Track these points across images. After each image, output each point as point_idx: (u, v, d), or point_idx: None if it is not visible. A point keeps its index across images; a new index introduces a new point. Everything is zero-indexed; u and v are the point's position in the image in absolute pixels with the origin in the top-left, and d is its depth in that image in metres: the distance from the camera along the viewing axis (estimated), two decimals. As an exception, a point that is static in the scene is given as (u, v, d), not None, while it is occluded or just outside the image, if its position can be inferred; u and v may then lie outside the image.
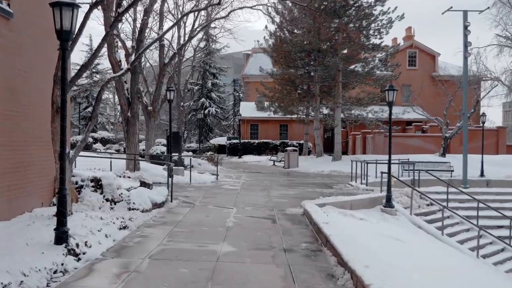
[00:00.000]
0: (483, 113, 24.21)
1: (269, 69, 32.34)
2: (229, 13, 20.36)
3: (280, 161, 28.32)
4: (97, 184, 9.93)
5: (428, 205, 14.82)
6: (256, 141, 37.92)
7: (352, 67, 28.69)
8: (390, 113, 12.71)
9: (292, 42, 28.27)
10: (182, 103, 33.39)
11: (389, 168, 12.96)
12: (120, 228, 8.09)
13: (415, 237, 10.34)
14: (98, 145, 29.97)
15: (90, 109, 42.56)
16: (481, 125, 24.36)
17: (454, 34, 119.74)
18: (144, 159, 20.84)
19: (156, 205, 10.67)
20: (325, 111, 31.41)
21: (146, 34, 20.31)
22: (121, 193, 9.97)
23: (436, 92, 36.96)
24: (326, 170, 24.28)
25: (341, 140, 28.99)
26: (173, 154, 20.03)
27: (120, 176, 11.47)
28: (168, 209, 10.76)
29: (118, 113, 46.31)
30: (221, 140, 44.41)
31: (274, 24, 30.26)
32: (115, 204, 9.75)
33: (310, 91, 30.33)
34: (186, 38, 29.94)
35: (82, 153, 18.68)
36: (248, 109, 39.18)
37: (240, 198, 13.30)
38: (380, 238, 8.48)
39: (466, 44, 19.95)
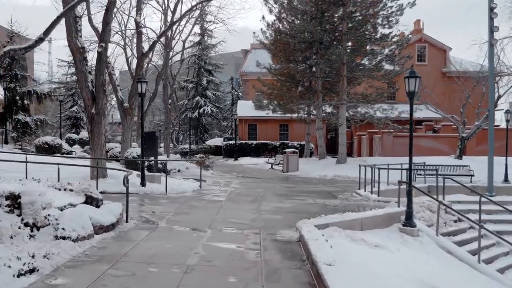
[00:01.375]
0: (508, 110, 21.38)
1: (267, 63, 29.63)
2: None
3: (278, 164, 25.61)
4: (15, 202, 7.24)
5: (455, 221, 12.06)
6: (254, 142, 35.21)
7: (357, 60, 25.94)
8: (411, 106, 9.98)
9: (292, 33, 25.57)
10: (170, 101, 30.70)
11: (410, 176, 10.23)
12: (20, 274, 5.37)
13: (452, 275, 7.61)
14: (76, 147, 27.33)
15: (75, 108, 39.94)
16: (506, 123, 21.48)
17: (456, 32, 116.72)
18: (122, 164, 18.22)
19: (102, 229, 7.95)
20: (328, 109, 28.82)
21: (125, 22, 17.76)
22: (49, 215, 7.27)
23: (447, 89, 34.19)
24: (330, 174, 21.65)
25: (346, 141, 26.25)
26: (152, 157, 17.39)
27: (59, 189, 8.79)
28: (117, 234, 8.05)
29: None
30: (219, 141, 42.03)
31: (272, 14, 27.57)
32: (38, 230, 7.05)
33: (312, 87, 27.64)
34: (180, 33, 27.46)
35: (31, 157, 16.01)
36: (246, 108, 36.49)
37: (222, 214, 10.60)
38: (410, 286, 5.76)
39: (492, 29, 17.12)
